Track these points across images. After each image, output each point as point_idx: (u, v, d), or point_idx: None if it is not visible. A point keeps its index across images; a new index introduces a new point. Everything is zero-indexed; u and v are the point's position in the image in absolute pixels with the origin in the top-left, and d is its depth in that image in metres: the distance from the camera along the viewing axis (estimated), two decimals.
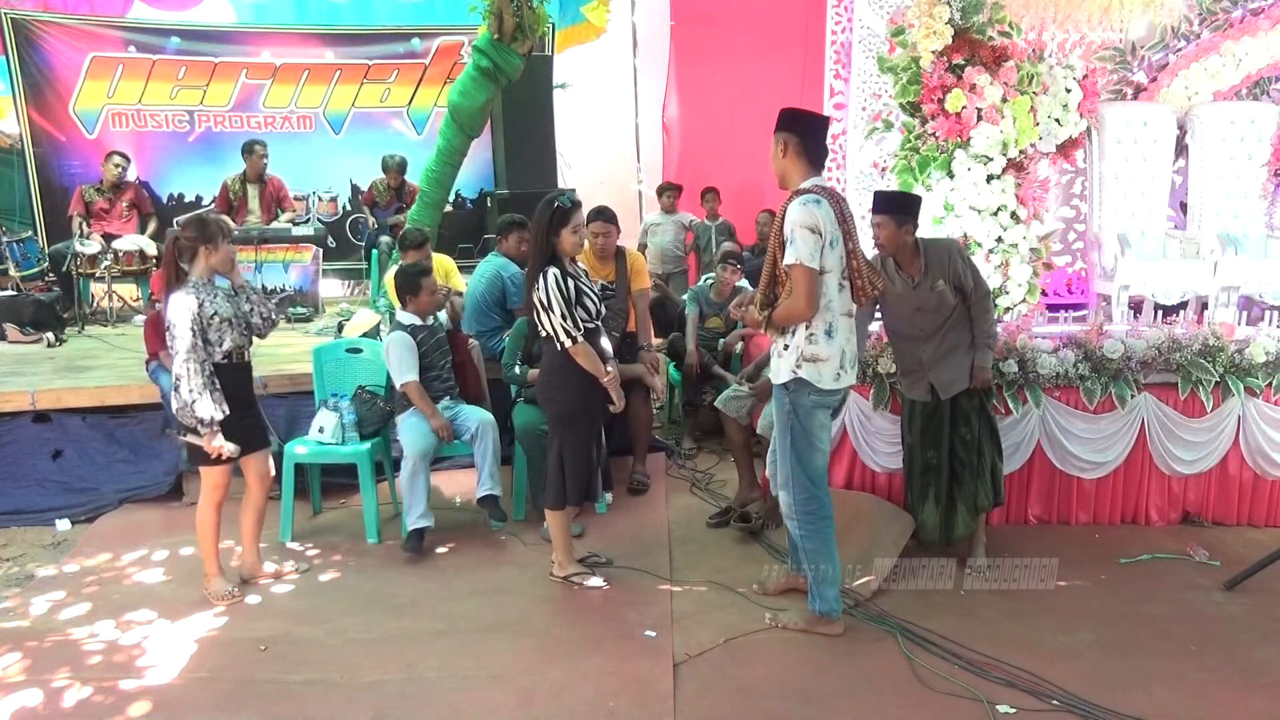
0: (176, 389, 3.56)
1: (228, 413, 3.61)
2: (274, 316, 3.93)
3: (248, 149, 7.66)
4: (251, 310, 3.79)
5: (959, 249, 4.02)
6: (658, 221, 8.23)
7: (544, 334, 3.75)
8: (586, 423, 3.85)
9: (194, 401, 3.54)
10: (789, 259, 3.19)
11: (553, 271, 3.64)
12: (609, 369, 3.80)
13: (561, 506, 3.91)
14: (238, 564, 4.10)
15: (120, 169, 7.57)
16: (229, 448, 3.65)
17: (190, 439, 3.65)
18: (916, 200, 4.02)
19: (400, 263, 5.52)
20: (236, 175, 7.78)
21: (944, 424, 4.03)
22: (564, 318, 3.63)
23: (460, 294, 5.55)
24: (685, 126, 9.40)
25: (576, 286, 3.69)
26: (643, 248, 8.25)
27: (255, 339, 3.87)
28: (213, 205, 8.09)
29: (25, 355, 6.09)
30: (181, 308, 3.55)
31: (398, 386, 4.43)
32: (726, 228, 7.99)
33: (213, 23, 8.72)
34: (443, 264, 5.82)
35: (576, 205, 3.74)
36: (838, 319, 3.33)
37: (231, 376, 3.69)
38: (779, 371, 3.39)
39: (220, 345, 3.64)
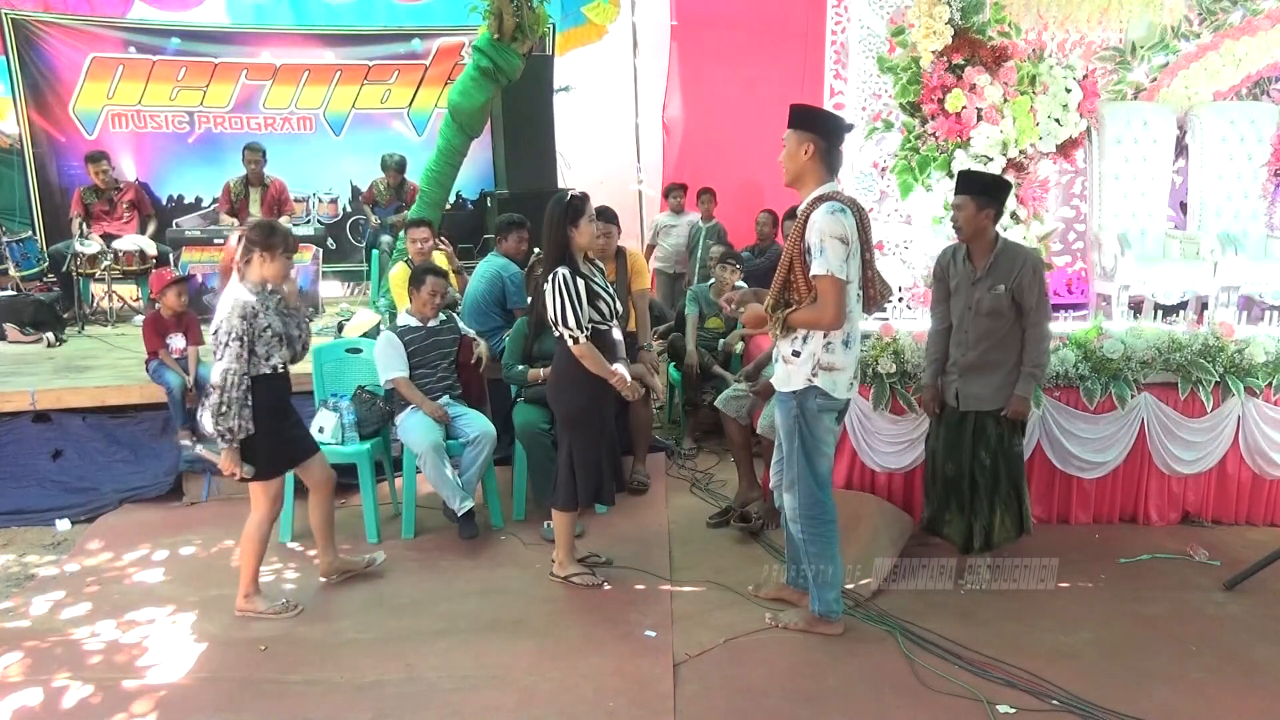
0: (210, 394, 3.43)
1: (252, 431, 3.48)
2: (308, 344, 3.83)
3: (243, 152, 7.68)
4: (298, 335, 3.70)
5: (1036, 264, 3.80)
6: (671, 223, 8.19)
7: (556, 333, 3.75)
8: (596, 424, 3.83)
9: (226, 412, 3.41)
10: (818, 269, 3.14)
11: (561, 272, 3.62)
12: (616, 368, 3.77)
13: (572, 508, 3.90)
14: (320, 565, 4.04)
15: (107, 171, 7.51)
16: (245, 469, 3.51)
17: (205, 451, 3.56)
18: (1005, 186, 3.89)
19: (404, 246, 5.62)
20: (238, 177, 7.78)
21: (964, 440, 3.90)
22: (568, 318, 3.61)
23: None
24: (685, 126, 9.41)
25: (589, 287, 3.66)
26: (651, 248, 8.26)
27: None
28: (214, 206, 8.09)
29: (25, 355, 6.09)
30: (234, 312, 3.42)
31: (382, 384, 4.49)
32: (717, 230, 8.00)
33: (213, 23, 8.71)
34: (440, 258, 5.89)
35: (587, 197, 3.74)
36: (856, 329, 3.34)
37: (276, 386, 3.59)
38: (789, 378, 3.35)
39: (267, 360, 3.52)
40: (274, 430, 3.57)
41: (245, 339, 3.43)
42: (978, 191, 3.73)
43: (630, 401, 4.92)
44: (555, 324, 3.66)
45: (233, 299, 3.47)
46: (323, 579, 4.00)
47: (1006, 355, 3.79)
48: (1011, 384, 3.79)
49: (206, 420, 3.46)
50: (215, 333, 3.45)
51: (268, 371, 3.53)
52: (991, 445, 3.86)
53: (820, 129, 3.27)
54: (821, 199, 3.21)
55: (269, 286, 3.59)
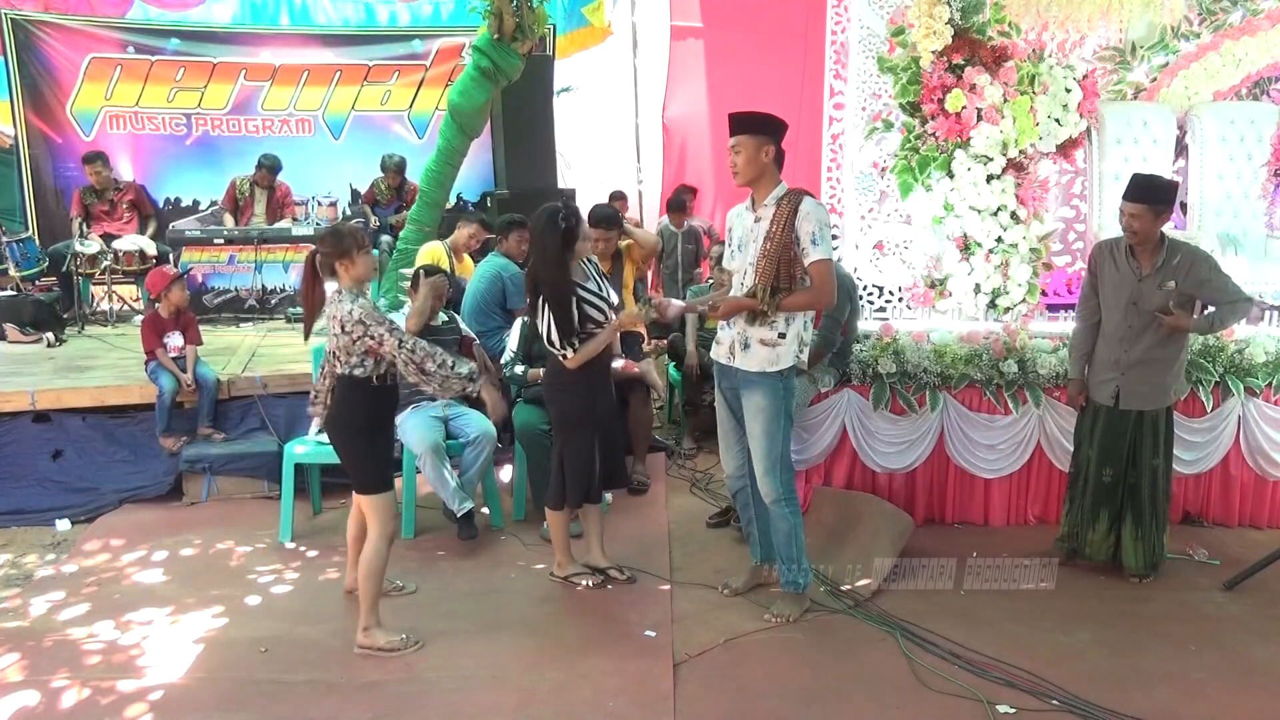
0: (424, 372, 3.31)
1: (462, 372, 3.40)
2: (445, 374, 3.40)
3: (259, 159, 7.72)
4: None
5: (1208, 260, 3.82)
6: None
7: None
8: (587, 426, 3.82)
9: (451, 366, 3.36)
10: (820, 255, 3.39)
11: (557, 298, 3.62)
12: (611, 326, 3.76)
13: (559, 508, 3.91)
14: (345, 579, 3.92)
15: (100, 172, 7.46)
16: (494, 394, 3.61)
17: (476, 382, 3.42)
18: (1175, 187, 3.93)
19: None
20: (245, 176, 7.78)
21: (1124, 441, 3.90)
22: (554, 338, 3.65)
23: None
24: (685, 127, 9.41)
25: (581, 298, 3.65)
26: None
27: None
28: (215, 206, 8.08)
29: (25, 355, 6.08)
30: (355, 310, 3.25)
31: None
32: (695, 233, 8.00)
33: (212, 23, 8.70)
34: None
35: (579, 219, 3.72)
36: None
37: (375, 396, 3.40)
38: (778, 359, 3.47)
39: (361, 364, 3.31)
40: (373, 441, 3.43)
41: (384, 319, 3.30)
42: (1153, 199, 3.72)
43: (630, 401, 4.95)
44: (546, 341, 3.70)
45: (346, 310, 3.27)
46: (349, 591, 3.88)
47: (1170, 352, 3.83)
48: (1175, 383, 3.89)
49: (442, 387, 3.38)
50: (363, 337, 3.26)
51: (360, 375, 3.33)
52: (1145, 455, 3.89)
53: (776, 133, 3.47)
54: (797, 193, 3.43)
55: (366, 289, 3.44)
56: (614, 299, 3.84)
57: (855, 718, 3.05)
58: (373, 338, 3.27)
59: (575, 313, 3.64)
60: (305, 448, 4.54)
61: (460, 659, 3.39)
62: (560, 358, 3.70)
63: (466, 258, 6.16)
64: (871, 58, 5.01)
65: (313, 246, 3.50)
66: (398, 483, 4.71)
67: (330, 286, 3.41)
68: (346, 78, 8.74)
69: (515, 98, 7.56)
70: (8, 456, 4.96)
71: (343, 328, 3.27)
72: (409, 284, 4.74)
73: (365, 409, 3.40)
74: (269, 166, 7.70)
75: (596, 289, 3.76)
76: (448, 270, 5.27)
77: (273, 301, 7.44)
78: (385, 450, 3.53)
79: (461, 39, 8.50)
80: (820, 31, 5.38)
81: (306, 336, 3.58)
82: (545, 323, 3.66)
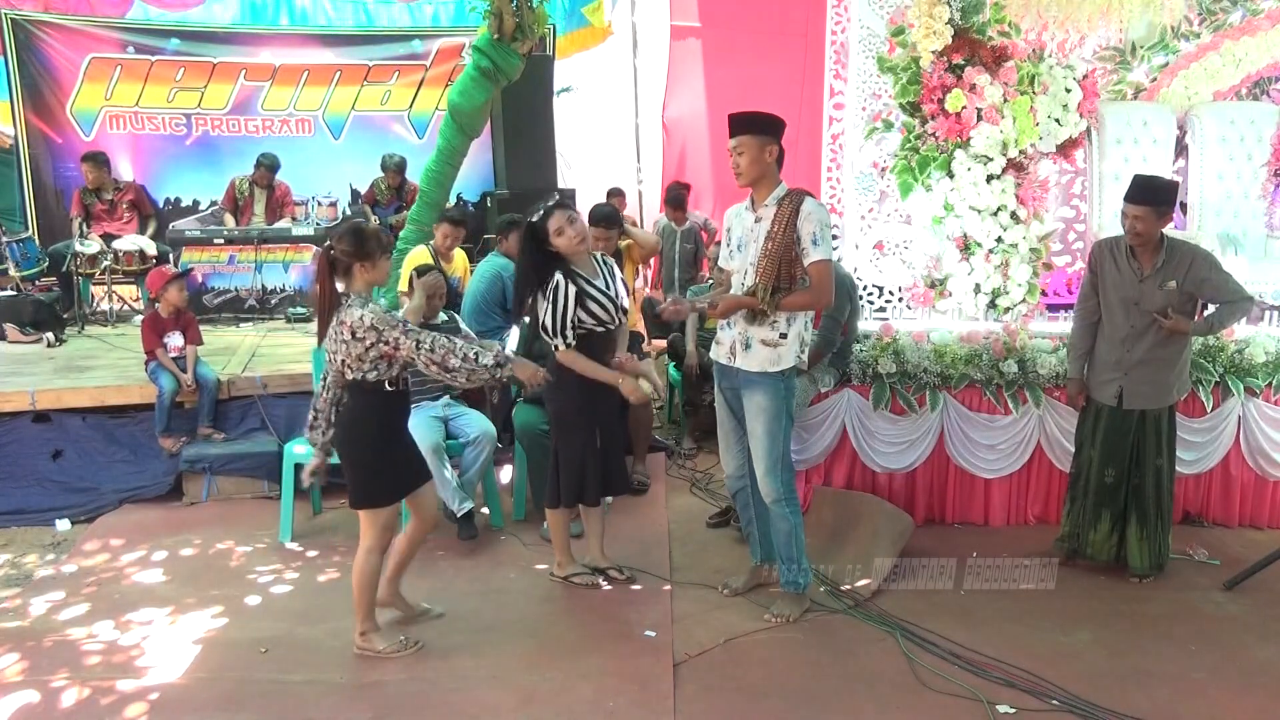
0: (448, 369, 3.20)
1: (507, 357, 3.33)
2: (465, 366, 3.23)
3: (258, 158, 7.72)
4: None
5: (1205, 254, 3.82)
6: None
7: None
8: (582, 425, 3.80)
9: (474, 358, 3.22)
10: (820, 255, 3.40)
11: (557, 277, 3.60)
12: (616, 366, 3.73)
13: (554, 506, 3.92)
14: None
15: (91, 174, 7.43)
16: (533, 366, 3.40)
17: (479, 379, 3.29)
18: (1176, 187, 3.94)
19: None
20: (245, 176, 7.78)
21: (1127, 441, 3.90)
22: (546, 325, 3.64)
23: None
24: (685, 127, 9.41)
25: (581, 291, 3.62)
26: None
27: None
28: (215, 206, 8.08)
29: (25, 355, 6.08)
30: (366, 316, 3.15)
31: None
32: (694, 233, 8.02)
33: (212, 23, 8.70)
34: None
35: (548, 212, 3.62)
36: None
37: (382, 403, 3.31)
38: (780, 359, 3.47)
39: (372, 371, 3.23)
40: (382, 452, 3.34)
41: (399, 323, 3.22)
42: (1156, 200, 3.71)
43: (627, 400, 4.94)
44: (542, 330, 3.69)
45: (357, 318, 3.17)
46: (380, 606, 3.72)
47: (1173, 352, 3.83)
48: (1178, 382, 3.88)
49: (471, 379, 3.29)
50: (378, 342, 3.17)
51: (373, 379, 3.24)
52: (1148, 454, 3.89)
53: (778, 132, 3.49)
54: (798, 193, 3.44)
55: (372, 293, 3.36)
56: (624, 301, 3.79)
57: (855, 718, 3.05)
58: (387, 342, 3.19)
59: (572, 300, 3.61)
60: (305, 448, 4.52)
61: (460, 659, 3.39)
62: (554, 348, 3.68)
63: (456, 257, 6.17)
64: (871, 58, 5.01)
65: (315, 246, 3.46)
66: None
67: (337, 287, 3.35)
68: (346, 78, 8.74)
69: (515, 98, 7.56)
70: (8, 456, 4.96)
71: (353, 334, 3.18)
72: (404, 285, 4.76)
73: (377, 416, 3.33)
74: (268, 165, 7.71)
75: (604, 287, 3.70)
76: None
77: (273, 301, 7.45)
78: (395, 461, 3.39)
79: (461, 39, 8.50)
80: (820, 31, 5.38)
81: (321, 340, 3.39)
82: (542, 311, 3.64)
